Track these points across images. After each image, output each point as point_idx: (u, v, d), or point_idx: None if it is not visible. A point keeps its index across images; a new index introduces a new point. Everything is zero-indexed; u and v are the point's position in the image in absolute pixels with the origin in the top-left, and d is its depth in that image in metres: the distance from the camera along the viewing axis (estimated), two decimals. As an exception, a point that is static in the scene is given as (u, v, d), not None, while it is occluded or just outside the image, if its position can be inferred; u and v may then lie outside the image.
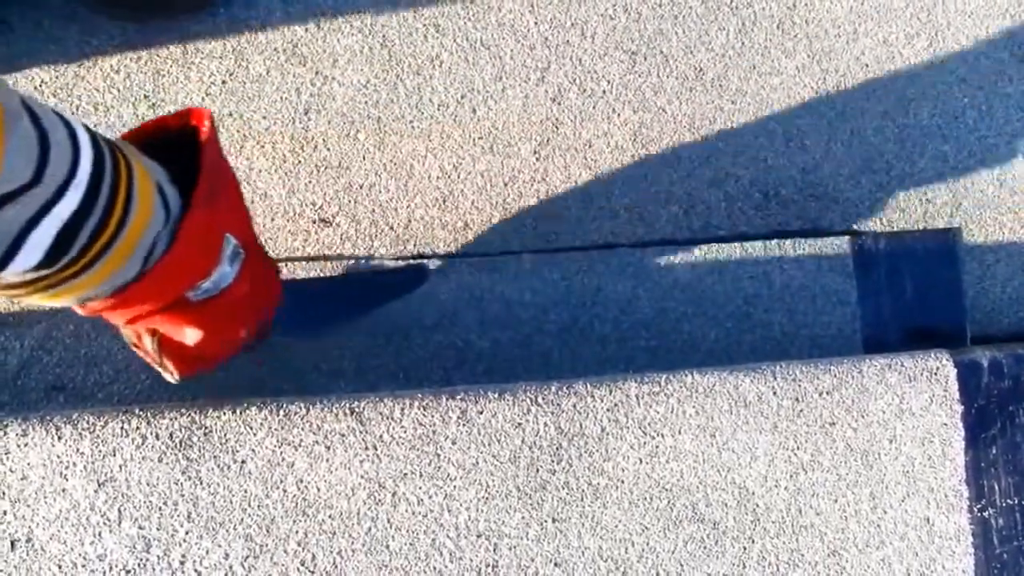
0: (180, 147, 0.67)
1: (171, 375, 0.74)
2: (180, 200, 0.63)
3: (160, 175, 0.62)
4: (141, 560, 0.71)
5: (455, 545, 0.75)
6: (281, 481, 0.74)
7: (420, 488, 0.75)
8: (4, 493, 0.71)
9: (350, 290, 0.94)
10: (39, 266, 0.55)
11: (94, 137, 0.56)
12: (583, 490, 0.77)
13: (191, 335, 0.71)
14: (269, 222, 0.95)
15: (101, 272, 0.59)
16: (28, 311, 0.89)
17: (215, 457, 0.73)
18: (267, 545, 0.73)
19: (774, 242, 0.99)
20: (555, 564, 0.76)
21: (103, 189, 0.55)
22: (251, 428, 0.74)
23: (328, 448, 0.74)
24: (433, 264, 0.95)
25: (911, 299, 1.01)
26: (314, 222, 0.96)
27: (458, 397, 0.77)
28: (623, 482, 0.78)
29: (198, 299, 0.67)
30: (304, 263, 0.94)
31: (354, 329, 0.93)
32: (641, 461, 0.79)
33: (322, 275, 0.94)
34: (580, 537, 0.77)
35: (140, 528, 0.72)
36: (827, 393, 0.82)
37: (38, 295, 0.57)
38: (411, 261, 0.95)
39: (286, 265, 0.93)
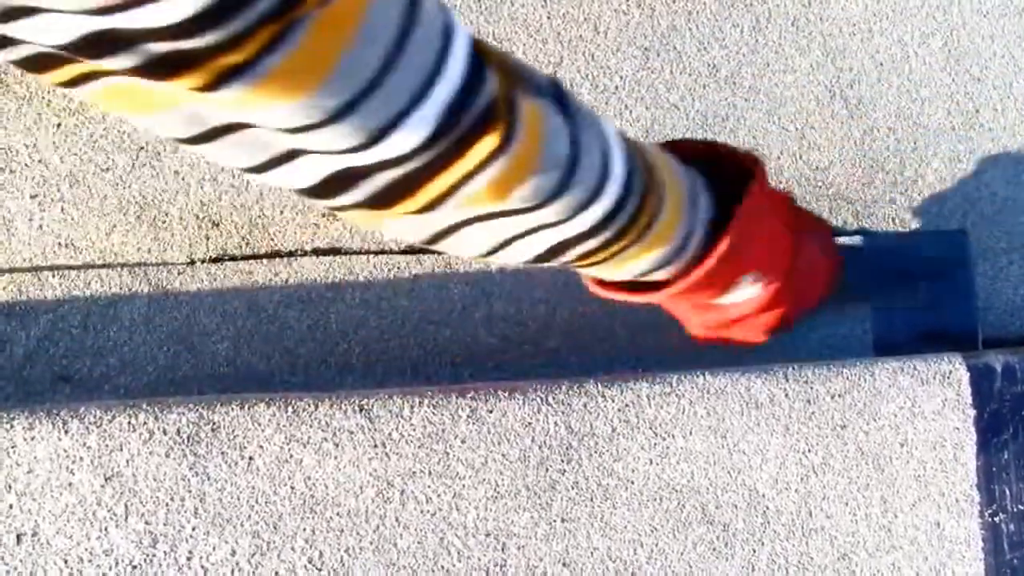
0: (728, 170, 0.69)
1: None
2: (705, 241, 0.64)
3: (703, 213, 0.63)
4: (147, 555, 0.71)
5: (463, 544, 0.75)
6: (289, 478, 0.73)
7: (429, 487, 0.75)
8: (10, 487, 0.70)
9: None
10: (524, 262, 0.58)
11: (627, 187, 0.55)
12: (593, 490, 0.77)
13: (697, 330, 0.75)
14: (278, 214, 0.95)
15: (592, 270, 0.61)
16: (35, 301, 0.89)
17: (223, 453, 0.73)
18: (274, 542, 0.72)
19: (786, 241, 0.98)
20: (564, 564, 0.76)
21: (602, 234, 0.55)
22: (259, 424, 0.73)
23: (337, 445, 0.74)
24: (441, 259, 0.95)
25: (923, 300, 1.00)
26: (323, 215, 0.95)
27: (468, 395, 0.77)
28: (633, 483, 0.78)
29: (712, 303, 0.69)
30: (312, 257, 0.94)
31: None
32: (651, 462, 0.78)
33: (330, 270, 0.93)
34: (589, 537, 0.77)
35: (147, 523, 0.71)
36: (839, 396, 0.81)
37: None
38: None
39: (297, 259, 0.93)
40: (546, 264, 0.58)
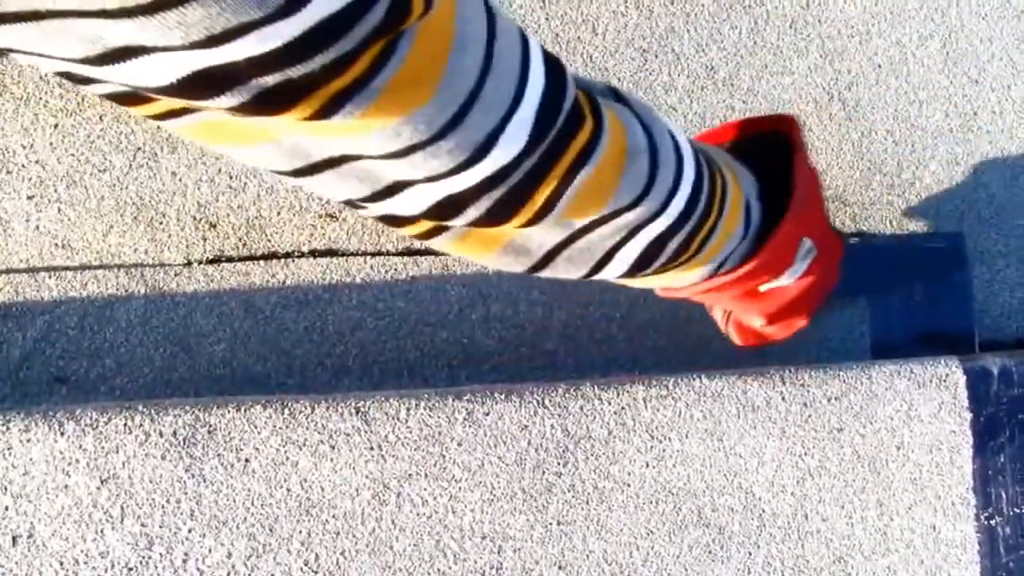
0: (764, 143, 0.71)
1: (733, 342, 0.80)
2: (761, 216, 0.65)
3: (750, 189, 0.64)
4: (143, 558, 0.71)
5: (459, 547, 0.75)
6: (285, 480, 0.73)
7: (425, 489, 0.75)
8: (6, 489, 0.70)
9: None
10: (620, 275, 0.58)
11: (698, 165, 0.57)
12: (589, 493, 0.77)
13: (756, 320, 0.74)
14: (275, 216, 0.95)
15: (668, 277, 0.62)
16: (31, 302, 0.89)
17: (219, 455, 0.73)
18: (270, 544, 0.72)
19: (783, 244, 0.98)
20: (559, 567, 0.76)
21: (693, 216, 0.56)
22: (255, 426, 0.73)
23: (333, 448, 0.74)
24: (438, 260, 0.95)
25: (919, 303, 1.00)
26: (320, 216, 0.95)
27: (464, 398, 0.77)
28: (629, 486, 0.78)
29: (766, 289, 0.69)
30: (309, 258, 0.93)
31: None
32: (647, 465, 0.78)
33: (327, 272, 0.93)
34: (585, 540, 0.77)
35: (143, 525, 0.71)
36: (835, 399, 0.81)
37: (620, 281, 0.62)
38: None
39: (294, 260, 0.93)
40: (641, 274, 0.59)
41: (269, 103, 0.36)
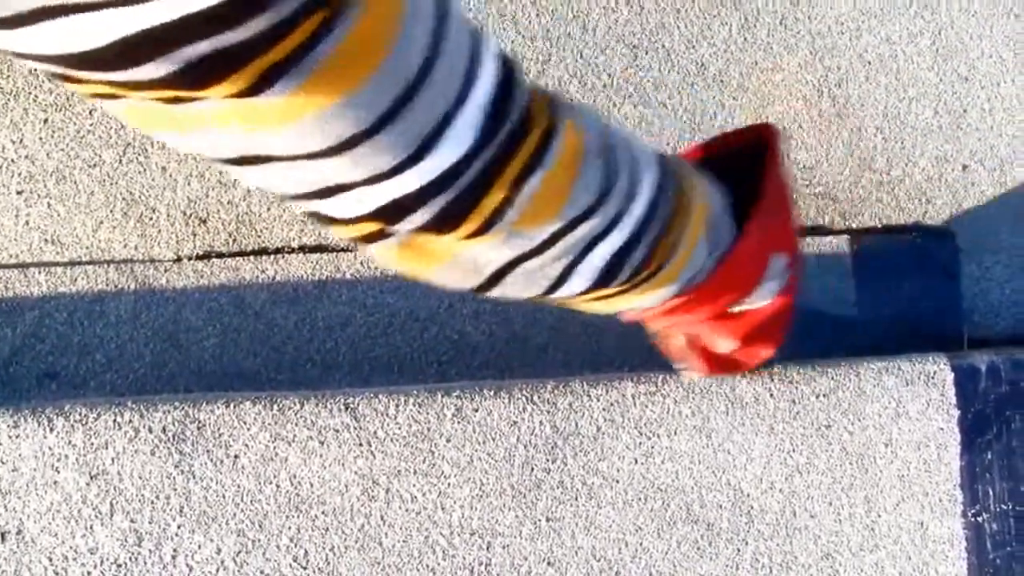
0: (738, 155, 0.69)
1: (693, 374, 0.77)
2: (732, 232, 0.62)
3: (718, 204, 0.61)
4: (132, 554, 0.71)
5: (448, 543, 0.75)
6: (274, 476, 0.73)
7: (414, 485, 0.75)
8: (-5, 485, 0.70)
9: None
10: (580, 292, 0.55)
11: (660, 173, 0.54)
12: (577, 489, 0.77)
13: (723, 345, 0.71)
14: (265, 212, 0.95)
15: (634, 297, 0.58)
16: (21, 297, 0.89)
17: (208, 451, 0.73)
18: (259, 540, 0.73)
19: (773, 240, 0.98)
20: (548, 563, 0.76)
21: (654, 225, 0.54)
22: (245, 422, 0.73)
23: (322, 444, 0.74)
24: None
25: (909, 300, 1.00)
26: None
27: (454, 394, 0.77)
28: (618, 482, 0.78)
29: (736, 311, 0.67)
30: (299, 254, 0.93)
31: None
32: (636, 461, 0.78)
33: (317, 267, 0.93)
34: (574, 536, 0.77)
35: (132, 522, 0.71)
36: (824, 396, 0.82)
37: (581, 303, 0.58)
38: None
39: (284, 256, 0.93)
40: (604, 292, 0.56)
41: (197, 74, 0.33)
